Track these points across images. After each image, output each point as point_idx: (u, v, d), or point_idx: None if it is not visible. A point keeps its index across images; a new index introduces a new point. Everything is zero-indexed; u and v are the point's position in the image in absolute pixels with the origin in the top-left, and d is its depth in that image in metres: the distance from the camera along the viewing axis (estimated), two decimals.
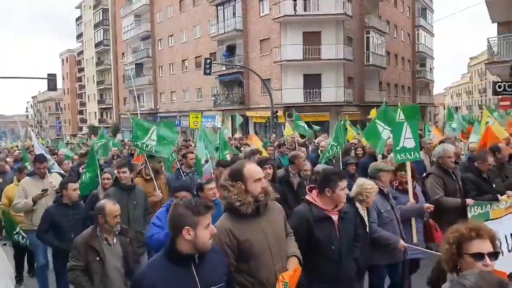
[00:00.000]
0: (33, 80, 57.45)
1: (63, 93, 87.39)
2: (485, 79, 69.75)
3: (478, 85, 79.80)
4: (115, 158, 12.46)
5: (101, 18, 63.72)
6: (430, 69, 55.63)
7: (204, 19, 40.88)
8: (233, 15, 36.55)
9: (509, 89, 19.75)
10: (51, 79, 25.89)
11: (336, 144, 9.00)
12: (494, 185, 6.37)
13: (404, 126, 5.81)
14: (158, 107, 50.87)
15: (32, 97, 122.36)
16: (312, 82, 31.86)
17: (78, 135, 73.72)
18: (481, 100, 75.79)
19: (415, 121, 6.23)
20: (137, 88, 46.92)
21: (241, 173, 3.23)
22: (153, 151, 7.22)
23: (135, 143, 7.42)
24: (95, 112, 70.48)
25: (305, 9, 31.78)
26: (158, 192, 6.79)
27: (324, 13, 31.30)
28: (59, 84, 61.29)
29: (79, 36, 75.53)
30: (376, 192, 4.83)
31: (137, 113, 45.11)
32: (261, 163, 7.22)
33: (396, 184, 5.64)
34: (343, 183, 3.73)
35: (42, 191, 6.49)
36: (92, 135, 36.38)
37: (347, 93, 33.06)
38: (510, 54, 18.86)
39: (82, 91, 79.24)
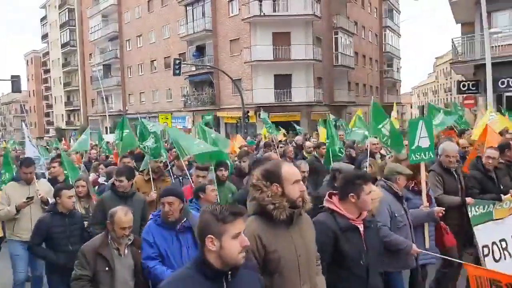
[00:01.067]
0: None
1: (28, 95, 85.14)
2: (450, 78, 71.69)
3: (443, 84, 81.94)
4: (93, 160, 11.96)
5: (67, 18, 62.28)
6: (397, 69, 56.82)
7: (173, 19, 40.51)
8: (203, 15, 36.33)
9: (473, 88, 20.33)
10: (15, 81, 25.21)
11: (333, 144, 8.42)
12: (501, 185, 6.00)
13: (420, 124, 5.35)
14: (127, 109, 50.05)
15: None
16: (282, 82, 32.03)
17: (44, 137, 71.91)
18: (447, 99, 77.84)
19: (430, 119, 5.86)
20: (105, 89, 46.11)
21: (278, 174, 2.87)
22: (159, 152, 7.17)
23: (141, 145, 7.57)
24: (62, 114, 68.87)
25: (274, 10, 31.91)
26: (152, 192, 6.47)
27: (293, 14, 31.51)
28: (24, 86, 59.60)
29: (45, 36, 73.67)
30: (379, 199, 4.43)
31: (105, 115, 44.42)
32: (240, 157, 7.23)
33: (412, 185, 5.26)
34: (369, 187, 3.38)
35: (26, 199, 5.88)
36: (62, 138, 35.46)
37: (317, 93, 33.38)
38: (474, 54, 19.40)
39: (48, 93, 77.32)
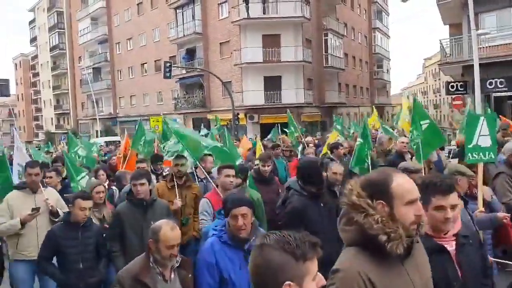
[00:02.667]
0: None
1: (17, 98, 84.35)
2: (439, 79, 72.20)
3: (432, 85, 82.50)
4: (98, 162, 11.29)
5: (56, 21, 61.85)
6: (387, 70, 57.18)
7: (163, 22, 40.43)
8: (193, 18, 36.30)
9: (461, 89, 20.53)
10: (3, 85, 24.85)
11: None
12: None
13: (480, 121, 4.86)
14: (117, 112, 49.88)
15: None
16: (272, 84, 32.07)
17: (33, 141, 71.26)
18: (436, 100, 78.41)
19: (494, 116, 5.38)
20: (95, 92, 45.83)
21: (386, 189, 2.07)
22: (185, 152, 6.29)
23: (161, 144, 7.09)
24: (52, 118, 68.35)
25: (264, 12, 31.98)
26: (177, 200, 5.66)
27: (283, 16, 31.59)
28: (13, 90, 59.26)
29: (33, 39, 73.09)
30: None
31: (95, 118, 44.17)
32: (261, 161, 6.65)
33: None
34: (453, 198, 2.64)
35: (32, 210, 4.96)
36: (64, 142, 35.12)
37: (307, 94, 33.47)
38: (461, 55, 19.59)
39: (37, 97, 76.68)
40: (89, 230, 4.57)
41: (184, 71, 37.67)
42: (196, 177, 6.79)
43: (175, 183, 5.87)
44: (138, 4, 44.34)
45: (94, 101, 44.57)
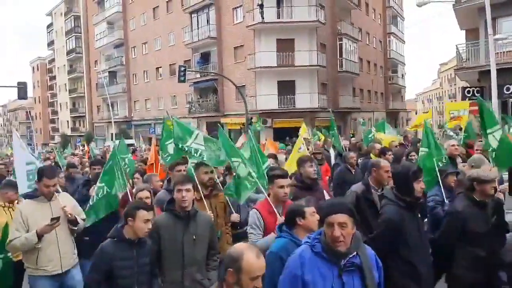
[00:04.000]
0: (2, 89, 56.06)
1: (34, 101, 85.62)
2: (455, 84, 71.54)
3: (448, 90, 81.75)
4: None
5: (72, 25, 62.75)
6: (402, 75, 56.80)
7: (178, 26, 40.73)
8: (207, 23, 36.53)
9: (478, 94, 20.24)
10: (21, 87, 25.28)
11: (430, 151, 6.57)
12: None
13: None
14: (132, 115, 50.30)
15: (1, 106, 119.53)
16: (286, 88, 32.06)
17: (49, 144, 72.20)
18: None
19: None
20: (110, 96, 46.31)
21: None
22: (204, 158, 5.53)
23: (179, 146, 5.59)
24: (68, 121, 69.21)
25: (278, 17, 32.02)
26: (209, 213, 4.90)
27: (297, 20, 31.60)
28: (30, 93, 59.98)
29: (50, 43, 74.20)
30: None
31: (111, 121, 44.60)
32: (303, 162, 5.87)
33: None
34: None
35: (51, 220, 4.47)
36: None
37: (321, 99, 33.37)
38: (478, 60, 19.38)
39: (53, 100, 77.75)
40: (144, 246, 3.90)
41: (198, 75, 37.87)
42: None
43: (202, 194, 5.14)
44: (153, 9, 44.74)
45: (110, 104, 45.08)
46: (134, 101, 50.25)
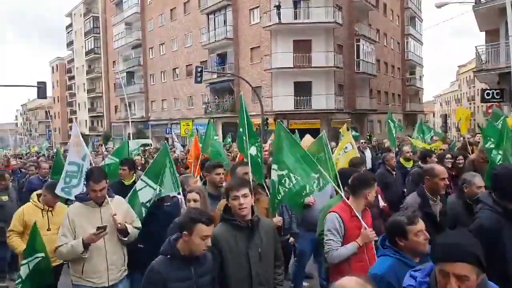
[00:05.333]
0: (22, 88, 56.97)
1: (53, 101, 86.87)
2: (474, 86, 70.52)
3: (466, 92, 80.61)
4: (139, 168, 9.63)
5: (91, 26, 63.56)
6: (420, 77, 56.23)
7: (195, 27, 40.99)
8: (224, 24, 36.69)
9: (497, 97, 19.97)
10: (41, 87, 25.71)
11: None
12: None
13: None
14: (149, 115, 50.77)
15: (21, 105, 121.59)
16: (302, 89, 32.00)
17: (68, 143, 73.15)
18: (470, 107, 76.56)
19: None
20: (128, 96, 46.76)
21: None
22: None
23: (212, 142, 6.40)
24: (86, 120, 70.10)
25: (295, 18, 32.00)
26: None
27: (315, 22, 31.53)
28: (49, 92, 60.84)
29: (70, 44, 75.26)
30: None
31: (128, 121, 45.02)
32: (358, 165, 5.63)
33: None
34: None
35: (97, 229, 4.06)
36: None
37: (338, 100, 33.23)
38: (498, 62, 19.10)
39: (72, 99, 78.79)
40: (203, 264, 3.27)
41: (214, 76, 38.06)
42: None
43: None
44: (171, 10, 45.11)
45: (127, 104, 45.52)
46: (151, 101, 50.73)
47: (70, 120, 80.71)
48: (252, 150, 5.43)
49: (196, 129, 23.94)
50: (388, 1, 45.71)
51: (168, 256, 3.17)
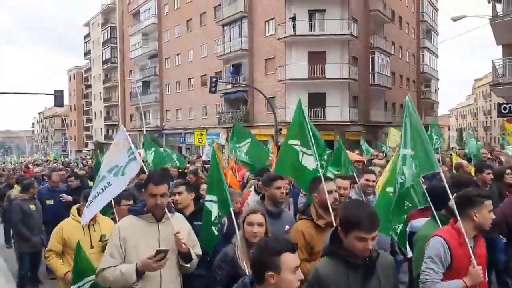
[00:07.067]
0: (39, 96, 57.86)
1: (70, 109, 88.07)
2: (490, 100, 69.84)
3: (482, 106, 79.84)
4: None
5: (109, 36, 64.55)
6: (435, 90, 55.82)
7: (210, 38, 41.37)
8: (239, 35, 37.01)
9: None
10: (58, 95, 26.05)
11: None
12: None
13: None
14: (163, 124, 51.14)
15: (38, 113, 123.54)
16: (316, 101, 31.96)
17: (83, 151, 74.07)
18: (486, 122, 75.70)
19: None
20: (143, 105, 47.27)
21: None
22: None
23: (233, 146, 6.56)
24: (101, 129, 70.85)
25: (310, 29, 32.10)
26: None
27: (330, 34, 31.59)
28: (66, 101, 61.81)
29: (87, 53, 76.47)
30: None
31: (142, 130, 45.41)
32: None
33: None
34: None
35: (156, 253, 3.19)
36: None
37: (352, 112, 33.12)
38: None
39: (88, 108, 79.80)
40: None
41: (229, 86, 38.31)
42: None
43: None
44: (187, 21, 45.61)
45: (142, 113, 45.97)
46: (166, 111, 51.14)
47: (86, 129, 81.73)
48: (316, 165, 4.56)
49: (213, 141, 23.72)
50: (404, 14, 45.66)
51: None
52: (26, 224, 7.18)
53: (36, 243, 7.26)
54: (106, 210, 5.01)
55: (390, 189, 4.53)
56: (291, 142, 4.77)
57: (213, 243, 4.21)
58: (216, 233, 4.21)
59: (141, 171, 4.77)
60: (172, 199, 4.53)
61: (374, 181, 5.75)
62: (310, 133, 4.70)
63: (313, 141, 4.65)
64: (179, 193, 4.67)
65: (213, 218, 4.18)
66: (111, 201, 4.47)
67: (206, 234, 4.19)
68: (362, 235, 2.59)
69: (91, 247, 4.67)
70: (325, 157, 5.28)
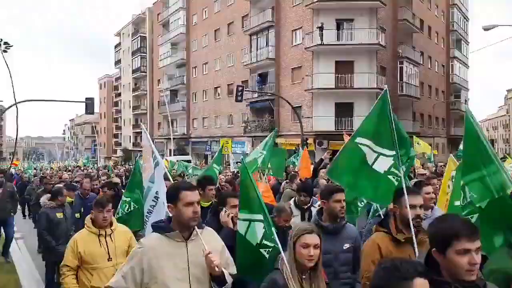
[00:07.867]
0: (71, 104, 59.22)
1: (100, 117, 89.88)
2: None
3: None
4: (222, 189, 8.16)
5: (139, 46, 65.87)
6: (465, 100, 54.71)
7: (237, 48, 41.71)
8: (266, 44, 37.21)
9: None
10: (89, 103, 26.56)
11: None
12: None
13: None
14: (190, 132, 51.67)
15: (69, 120, 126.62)
16: (344, 110, 31.75)
17: (112, 157, 75.48)
18: None
19: None
20: (171, 113, 47.88)
21: None
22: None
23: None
24: (130, 136, 72.02)
25: (338, 39, 32.00)
26: None
27: (358, 43, 31.43)
28: (96, 108, 63.23)
29: (117, 62, 78.11)
30: None
31: (170, 138, 46.02)
32: None
33: None
34: None
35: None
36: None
37: None
38: None
39: (118, 116, 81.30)
40: None
41: (255, 95, 38.45)
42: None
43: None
44: (215, 31, 46.15)
45: (170, 121, 46.60)
46: (193, 119, 51.68)
47: (115, 136, 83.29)
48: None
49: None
50: (433, 23, 45.08)
51: None
52: (52, 233, 6.93)
53: (62, 253, 6.91)
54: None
55: (457, 203, 4.02)
56: (359, 140, 4.19)
57: (264, 270, 3.33)
58: (267, 256, 3.46)
59: (165, 178, 4.65)
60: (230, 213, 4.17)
61: (432, 193, 5.17)
62: (394, 130, 4.02)
63: (396, 140, 3.97)
64: (235, 206, 4.11)
65: (259, 239, 3.47)
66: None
67: (252, 259, 3.50)
68: (464, 246, 2.14)
69: (109, 259, 4.24)
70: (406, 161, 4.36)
